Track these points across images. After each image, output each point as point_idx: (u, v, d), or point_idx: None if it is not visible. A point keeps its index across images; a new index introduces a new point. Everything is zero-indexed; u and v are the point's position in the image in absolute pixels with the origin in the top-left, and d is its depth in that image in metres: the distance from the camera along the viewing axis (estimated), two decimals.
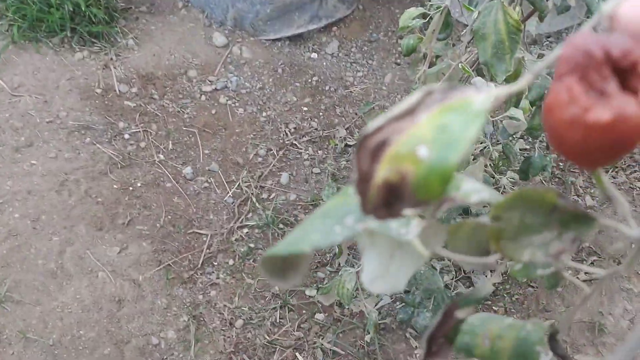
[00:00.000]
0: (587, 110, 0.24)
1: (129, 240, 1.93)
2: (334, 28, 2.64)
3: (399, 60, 2.52)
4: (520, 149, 2.14)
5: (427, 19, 1.19)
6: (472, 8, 1.17)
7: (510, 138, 1.86)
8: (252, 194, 2.09)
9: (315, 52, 2.57)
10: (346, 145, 2.23)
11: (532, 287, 1.88)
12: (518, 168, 1.89)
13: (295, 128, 2.29)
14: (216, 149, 2.22)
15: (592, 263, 1.83)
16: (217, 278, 1.90)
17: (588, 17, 1.42)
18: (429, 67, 1.31)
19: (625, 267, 0.38)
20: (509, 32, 1.13)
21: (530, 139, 2.01)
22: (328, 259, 1.94)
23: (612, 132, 0.24)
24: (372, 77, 2.47)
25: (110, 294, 1.81)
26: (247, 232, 2.00)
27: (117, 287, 1.82)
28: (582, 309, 1.74)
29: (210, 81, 2.42)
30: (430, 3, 1.17)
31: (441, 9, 1.16)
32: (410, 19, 1.18)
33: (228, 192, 2.09)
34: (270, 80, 2.45)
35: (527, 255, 0.37)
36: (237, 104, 2.36)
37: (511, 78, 1.39)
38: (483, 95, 0.26)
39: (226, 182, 2.12)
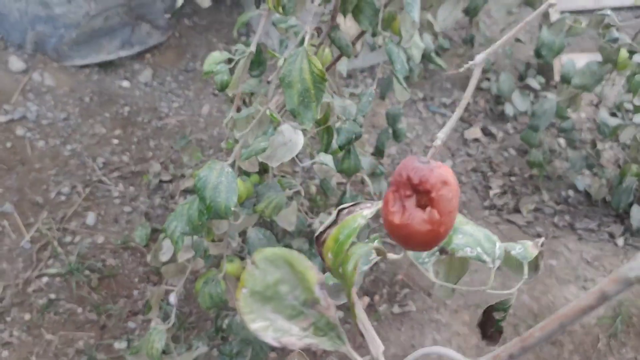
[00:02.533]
0: (391, 213, 0.36)
1: None
2: (148, 55, 2.50)
3: (216, 92, 2.45)
4: (338, 183, 2.16)
5: (234, 63, 1.13)
6: (277, 54, 1.14)
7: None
8: (54, 237, 1.89)
9: (127, 80, 2.42)
10: (160, 181, 2.11)
11: None
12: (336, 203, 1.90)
13: (104, 163, 2.13)
14: (11, 187, 1.98)
15: (404, 296, 1.88)
16: (10, 336, 1.68)
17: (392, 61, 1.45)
18: (243, 109, 1.25)
19: None
20: (315, 81, 1.10)
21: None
22: (140, 306, 1.80)
23: (401, 230, 0.35)
24: (189, 108, 2.37)
25: None
26: (47, 282, 1.80)
27: None
28: (395, 343, 1.77)
29: (5, 110, 2.17)
30: (235, 48, 1.12)
31: (246, 54, 1.10)
32: (214, 63, 1.12)
33: (25, 237, 1.88)
34: (77, 110, 2.26)
35: (257, 325, 0.35)
36: (37, 137, 2.14)
37: (321, 122, 1.38)
38: (368, 211, 0.42)
39: (23, 225, 1.90)
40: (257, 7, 1.16)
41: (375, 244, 0.40)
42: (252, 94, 1.48)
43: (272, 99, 1.31)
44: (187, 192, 2.01)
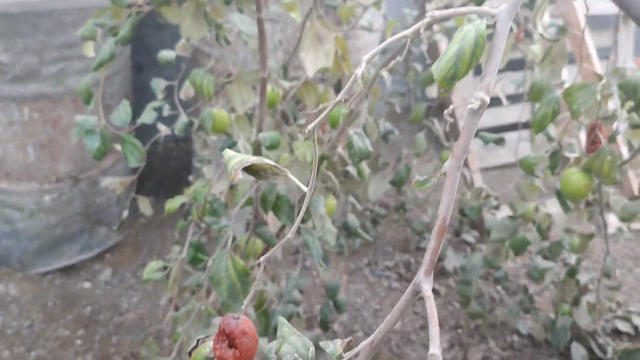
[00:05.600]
0: (215, 349, 0.54)
1: None
2: (107, 255, 2.68)
3: None
4: None
5: (168, 270, 1.30)
6: (205, 257, 1.32)
7: None
8: None
9: (88, 281, 2.57)
10: None
11: None
12: None
13: None
14: None
15: None
16: None
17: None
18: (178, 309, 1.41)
19: None
20: (239, 276, 1.28)
21: None
22: None
23: None
24: (148, 301, 2.51)
25: None
26: None
27: None
28: None
29: None
30: (169, 256, 1.30)
31: (178, 260, 1.28)
32: (152, 272, 1.29)
33: None
34: (40, 315, 2.37)
35: None
36: (1, 347, 2.23)
37: (257, 306, 1.54)
38: (210, 343, 0.59)
39: None
40: (185, 220, 1.36)
41: None
42: (198, 285, 1.64)
43: (211, 294, 1.48)
44: None
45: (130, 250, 2.73)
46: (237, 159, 0.46)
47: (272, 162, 0.47)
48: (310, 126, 0.45)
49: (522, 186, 1.65)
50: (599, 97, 1.08)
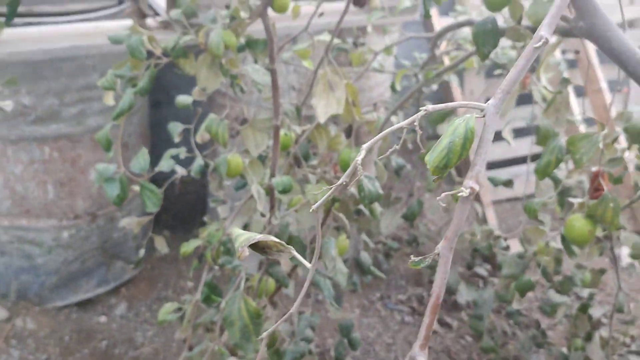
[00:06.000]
0: None
1: None
2: (123, 289, 2.72)
3: None
4: None
5: (182, 312, 1.34)
6: (218, 298, 1.35)
7: None
8: None
9: (104, 315, 2.61)
10: None
11: None
12: None
13: None
14: None
15: None
16: None
17: None
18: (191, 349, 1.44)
19: None
20: (252, 317, 1.31)
21: None
22: None
23: None
24: (163, 335, 2.54)
25: None
26: None
27: None
28: None
29: None
30: (184, 298, 1.34)
31: (192, 302, 1.32)
32: (167, 313, 1.33)
33: None
34: (57, 350, 2.41)
35: None
36: None
37: (269, 345, 1.57)
38: None
39: None
40: (199, 261, 1.40)
41: None
42: (212, 323, 1.67)
43: (224, 333, 1.51)
44: None
45: (145, 284, 2.77)
46: (244, 237, 0.50)
47: (276, 240, 0.50)
48: (315, 205, 0.49)
49: (528, 231, 1.68)
50: (601, 145, 1.12)
